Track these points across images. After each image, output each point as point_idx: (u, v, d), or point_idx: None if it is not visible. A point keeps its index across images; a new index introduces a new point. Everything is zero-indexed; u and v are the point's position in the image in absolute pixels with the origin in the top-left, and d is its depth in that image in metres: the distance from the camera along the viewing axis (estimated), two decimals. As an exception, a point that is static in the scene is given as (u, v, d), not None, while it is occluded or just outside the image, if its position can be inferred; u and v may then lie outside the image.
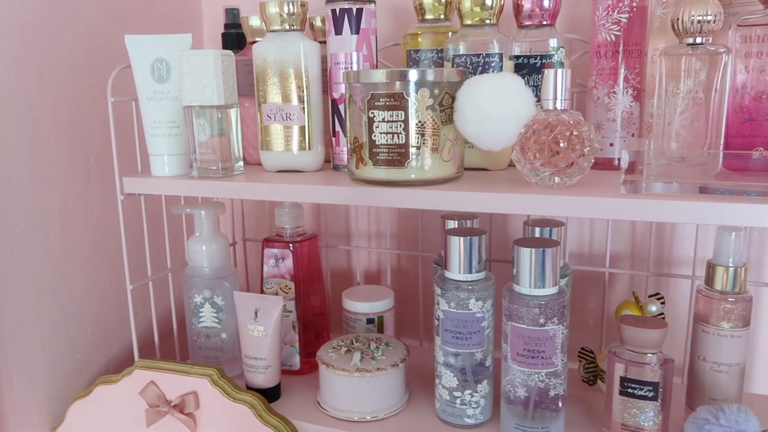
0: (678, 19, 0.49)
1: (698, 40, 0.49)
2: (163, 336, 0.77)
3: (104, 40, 0.76)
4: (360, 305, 0.77)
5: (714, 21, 0.49)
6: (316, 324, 0.78)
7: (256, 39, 0.72)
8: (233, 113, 0.64)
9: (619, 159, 0.60)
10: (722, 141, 0.53)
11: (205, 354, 0.75)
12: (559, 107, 0.52)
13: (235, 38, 0.76)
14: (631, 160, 0.51)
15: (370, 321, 0.78)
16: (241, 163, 0.67)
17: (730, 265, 0.59)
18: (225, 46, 0.76)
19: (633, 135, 0.62)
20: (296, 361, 0.76)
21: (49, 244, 0.71)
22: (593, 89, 0.62)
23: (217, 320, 0.74)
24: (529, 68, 0.64)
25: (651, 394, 0.56)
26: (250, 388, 0.69)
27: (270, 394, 0.69)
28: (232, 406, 0.65)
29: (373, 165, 0.56)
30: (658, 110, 0.53)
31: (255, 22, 0.73)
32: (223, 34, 0.77)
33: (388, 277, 0.88)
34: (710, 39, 0.50)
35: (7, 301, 0.68)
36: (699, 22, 0.49)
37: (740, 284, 0.59)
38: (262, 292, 0.75)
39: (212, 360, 0.75)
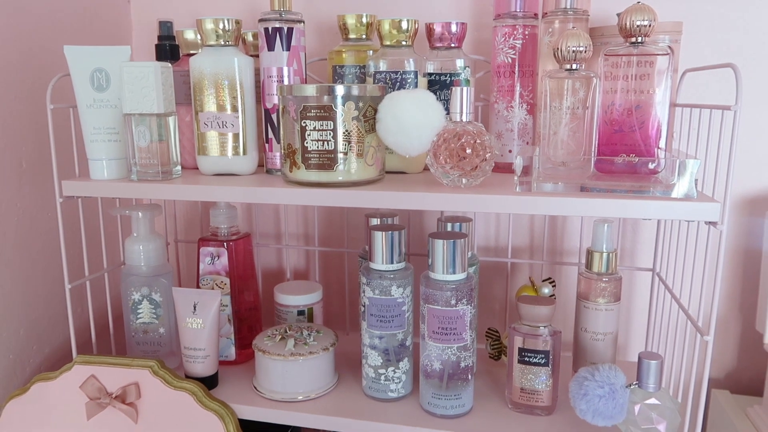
0: (557, 48, 0.60)
1: (574, 66, 0.60)
2: (97, 334, 0.79)
3: (36, 47, 0.78)
4: (291, 298, 0.84)
5: (585, 51, 0.60)
6: (250, 318, 0.83)
7: (192, 51, 0.77)
8: (171, 120, 0.69)
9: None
10: (594, 148, 0.64)
11: (143, 349, 0.79)
12: (464, 119, 0.61)
13: (168, 50, 0.80)
14: (526, 164, 0.61)
15: (300, 313, 0.84)
16: (179, 167, 0.71)
17: (604, 251, 0.71)
18: (158, 57, 0.80)
19: (527, 143, 0.72)
20: (232, 352, 0.81)
21: (-18, 246, 0.72)
22: (494, 104, 0.73)
23: (155, 316, 0.78)
24: (440, 84, 0.73)
25: (543, 361, 0.66)
26: (189, 378, 0.74)
27: (209, 382, 0.74)
28: (174, 394, 0.70)
29: (306, 168, 0.63)
30: (543, 122, 0.64)
31: (190, 35, 0.77)
32: (156, 46, 0.81)
33: (317, 273, 0.95)
34: (583, 65, 0.61)
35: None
36: (573, 51, 0.59)
37: (612, 267, 0.71)
38: (198, 288, 0.79)
39: (150, 354, 0.79)
